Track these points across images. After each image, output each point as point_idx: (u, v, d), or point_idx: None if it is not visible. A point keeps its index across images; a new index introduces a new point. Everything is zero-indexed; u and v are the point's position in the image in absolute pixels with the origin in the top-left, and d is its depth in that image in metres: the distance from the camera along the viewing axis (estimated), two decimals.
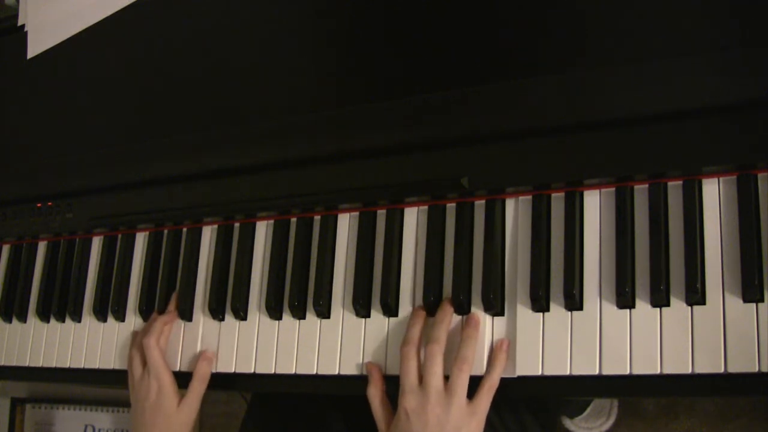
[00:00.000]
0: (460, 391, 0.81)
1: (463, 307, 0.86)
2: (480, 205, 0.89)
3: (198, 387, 0.98)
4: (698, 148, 0.77)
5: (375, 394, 0.87)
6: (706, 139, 0.76)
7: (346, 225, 0.96)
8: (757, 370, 0.72)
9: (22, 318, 1.18)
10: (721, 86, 0.76)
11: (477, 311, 0.86)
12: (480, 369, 0.84)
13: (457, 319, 0.87)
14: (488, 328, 0.85)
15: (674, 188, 0.80)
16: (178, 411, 0.96)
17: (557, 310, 0.82)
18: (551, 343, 0.81)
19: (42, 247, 1.20)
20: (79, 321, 1.13)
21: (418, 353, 0.85)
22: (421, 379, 0.83)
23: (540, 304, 0.83)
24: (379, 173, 0.92)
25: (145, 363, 0.99)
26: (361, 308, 0.92)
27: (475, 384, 0.82)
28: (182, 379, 1.00)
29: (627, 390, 0.79)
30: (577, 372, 0.79)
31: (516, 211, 0.87)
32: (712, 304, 0.76)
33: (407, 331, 0.86)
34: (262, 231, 1.01)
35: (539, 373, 0.81)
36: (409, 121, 0.90)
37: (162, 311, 1.05)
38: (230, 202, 1.01)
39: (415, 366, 0.84)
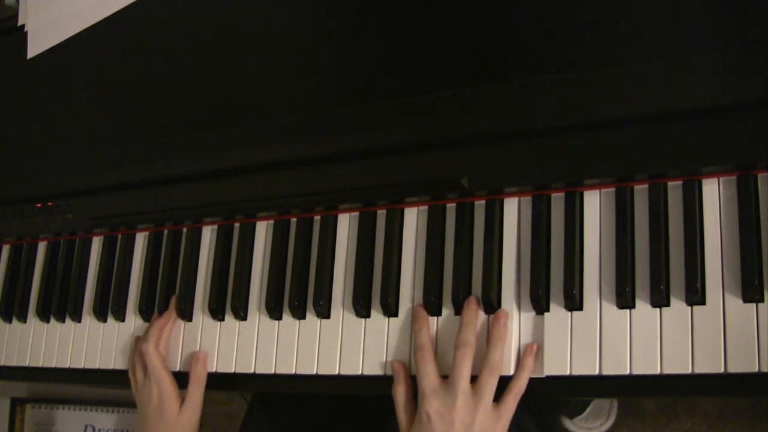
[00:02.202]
0: (488, 395, 0.81)
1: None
2: (480, 205, 0.89)
3: (196, 390, 0.98)
4: (698, 148, 0.77)
5: (401, 392, 0.86)
6: (706, 139, 0.76)
7: (346, 225, 0.96)
8: (757, 370, 0.72)
9: (22, 318, 1.18)
10: (721, 86, 0.76)
11: (503, 308, 0.85)
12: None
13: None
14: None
15: (674, 188, 0.80)
16: (179, 415, 0.97)
17: (557, 310, 0.82)
18: (551, 343, 0.81)
19: (42, 247, 1.20)
20: (79, 321, 1.13)
21: (433, 356, 0.85)
22: (442, 381, 0.83)
23: (540, 304, 0.82)
24: (379, 173, 0.92)
25: (146, 369, 0.99)
26: (361, 308, 0.92)
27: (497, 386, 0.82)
28: (182, 380, 1.00)
29: (627, 390, 0.79)
30: (577, 372, 0.79)
31: (516, 211, 0.87)
32: (712, 304, 0.76)
33: (416, 337, 0.86)
34: (262, 231, 1.01)
35: (539, 373, 0.81)
36: (409, 121, 0.90)
37: (162, 312, 1.05)
38: (230, 202, 1.01)
39: (433, 368, 0.83)
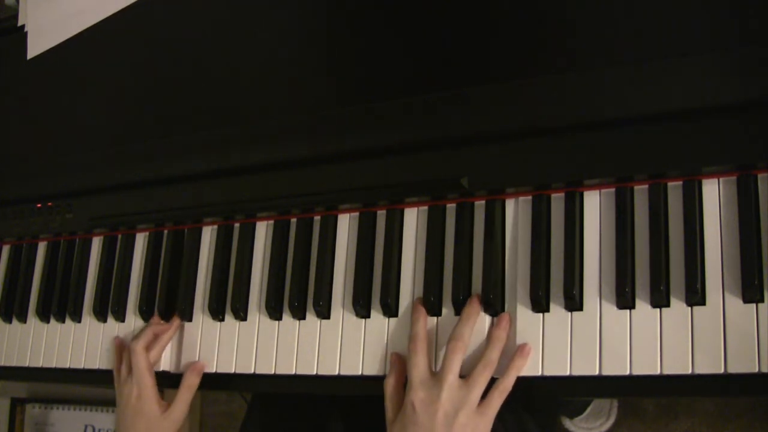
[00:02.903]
0: (477, 390, 0.81)
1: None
2: (480, 205, 0.89)
3: (185, 396, 0.98)
4: (698, 148, 0.77)
5: (390, 383, 0.86)
6: (706, 139, 0.76)
7: (346, 225, 0.96)
8: (757, 370, 0.72)
9: (22, 318, 1.18)
10: (721, 86, 0.76)
11: (507, 311, 0.85)
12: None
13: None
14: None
15: (674, 188, 0.80)
16: (161, 417, 0.97)
17: (557, 310, 0.82)
18: (551, 343, 0.81)
19: (42, 247, 1.20)
20: (79, 321, 1.13)
21: (426, 348, 0.85)
22: (432, 373, 0.83)
23: (540, 304, 0.82)
24: (379, 173, 0.92)
25: (131, 366, 0.99)
26: (361, 308, 0.91)
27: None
28: (179, 381, 1.00)
29: (627, 390, 0.79)
30: (577, 372, 0.79)
31: (516, 211, 0.87)
32: (712, 305, 0.76)
33: (413, 328, 0.86)
34: (262, 231, 1.01)
35: (539, 373, 0.81)
36: (409, 121, 0.90)
37: (162, 312, 1.05)
38: (230, 202, 1.01)
39: (424, 360, 0.84)
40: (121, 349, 1.05)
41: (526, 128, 0.84)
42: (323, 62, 1.00)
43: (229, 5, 1.08)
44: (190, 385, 0.98)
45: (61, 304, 1.15)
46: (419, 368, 0.83)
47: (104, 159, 1.11)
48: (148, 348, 1.00)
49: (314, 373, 0.93)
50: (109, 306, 1.10)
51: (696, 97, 0.77)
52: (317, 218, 0.98)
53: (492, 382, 0.82)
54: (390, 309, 0.90)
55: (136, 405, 0.97)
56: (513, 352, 0.82)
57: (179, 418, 0.98)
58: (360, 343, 0.91)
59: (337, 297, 0.94)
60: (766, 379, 0.72)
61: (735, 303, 0.75)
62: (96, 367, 1.09)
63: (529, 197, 0.86)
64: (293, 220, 0.99)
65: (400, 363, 0.87)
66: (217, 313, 1.01)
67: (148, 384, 0.98)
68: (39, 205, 1.18)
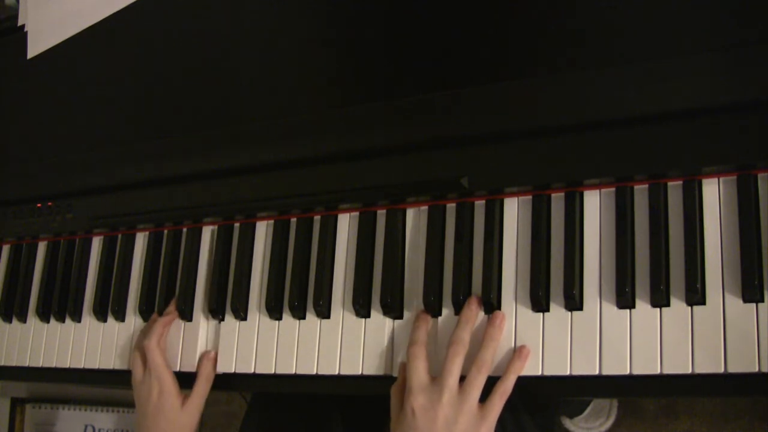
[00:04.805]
0: (475, 393, 0.81)
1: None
2: (480, 205, 0.89)
3: (202, 387, 0.98)
4: (698, 148, 0.77)
5: (396, 391, 0.86)
6: (706, 139, 0.76)
7: (346, 225, 0.96)
8: (757, 370, 0.72)
9: (22, 318, 1.18)
10: (721, 86, 0.76)
11: (502, 309, 0.85)
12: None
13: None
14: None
15: (674, 188, 0.80)
16: (181, 412, 0.97)
17: (557, 310, 0.82)
18: (551, 343, 0.81)
19: (42, 247, 1.20)
20: (79, 321, 1.13)
21: (426, 353, 0.85)
22: (431, 378, 0.83)
23: (540, 304, 0.82)
24: (379, 173, 0.92)
25: (146, 365, 0.99)
26: (361, 308, 0.91)
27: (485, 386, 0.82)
28: (182, 379, 1.00)
29: (627, 390, 0.79)
30: (577, 372, 0.79)
31: (516, 211, 0.87)
32: (712, 304, 0.76)
33: (413, 332, 0.86)
34: (262, 231, 1.01)
35: (539, 373, 0.81)
36: (409, 121, 0.90)
37: (162, 311, 1.05)
38: (230, 202, 1.01)
39: (423, 365, 0.83)
40: (140, 350, 1.03)
41: (526, 128, 0.84)
42: (323, 62, 1.00)
43: (230, 6, 1.08)
44: (207, 375, 0.98)
45: (61, 304, 1.15)
46: (419, 373, 0.83)
47: (104, 159, 1.11)
48: (160, 343, 1.00)
49: (314, 372, 0.93)
50: (109, 306, 1.10)
51: (696, 97, 0.77)
52: (317, 218, 0.98)
53: (492, 383, 0.82)
54: (390, 309, 0.90)
55: (158, 402, 0.97)
56: (512, 353, 0.82)
57: (197, 410, 0.98)
58: (360, 343, 0.91)
59: (337, 297, 0.94)
60: (766, 379, 0.72)
61: (735, 303, 0.75)
62: (96, 367, 1.09)
63: (529, 197, 0.86)
64: (293, 220, 0.99)
65: (403, 368, 0.87)
66: (217, 313, 1.01)
67: (168, 379, 0.98)
68: (39, 205, 1.18)
